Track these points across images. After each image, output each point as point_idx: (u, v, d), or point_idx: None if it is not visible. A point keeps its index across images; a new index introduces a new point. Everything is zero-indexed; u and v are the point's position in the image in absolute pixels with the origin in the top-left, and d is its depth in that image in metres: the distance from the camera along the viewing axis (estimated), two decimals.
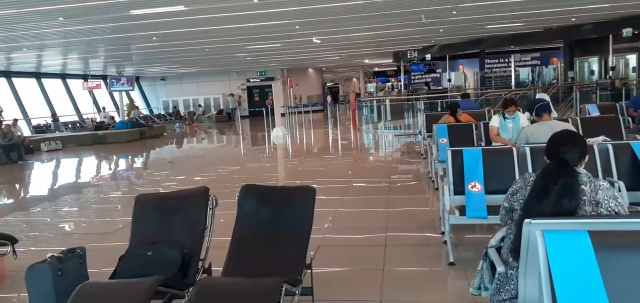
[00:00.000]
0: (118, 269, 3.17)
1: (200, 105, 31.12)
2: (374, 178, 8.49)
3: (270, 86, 26.81)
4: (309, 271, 3.23)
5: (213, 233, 3.42)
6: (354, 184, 8.26)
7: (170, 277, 2.98)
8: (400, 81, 28.90)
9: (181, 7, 10.40)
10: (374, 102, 21.48)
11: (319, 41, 17.16)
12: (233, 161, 12.91)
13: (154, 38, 14.67)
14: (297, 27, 13.90)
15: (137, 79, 30.18)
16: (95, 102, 25.50)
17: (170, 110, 30.16)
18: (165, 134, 21.97)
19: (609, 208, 2.35)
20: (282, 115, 19.67)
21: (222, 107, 30.65)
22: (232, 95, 30.70)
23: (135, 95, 30.13)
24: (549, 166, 2.48)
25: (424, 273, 4.15)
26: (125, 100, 27.11)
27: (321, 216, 5.79)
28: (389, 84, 39.91)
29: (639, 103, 9.06)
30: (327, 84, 44.90)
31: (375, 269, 4.15)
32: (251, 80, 30.84)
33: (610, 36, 17.63)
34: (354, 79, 46.13)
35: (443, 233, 4.62)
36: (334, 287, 3.85)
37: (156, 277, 2.71)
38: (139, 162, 14.47)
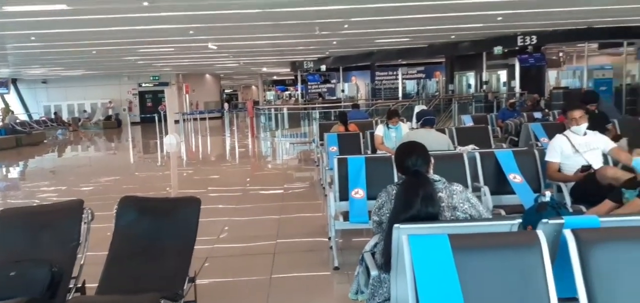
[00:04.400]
0: None
1: (85, 111, 29.07)
2: (269, 185, 8.53)
3: (163, 91, 25.79)
4: (193, 284, 3.18)
5: (88, 248, 3.23)
6: (249, 192, 8.23)
7: (37, 297, 2.77)
8: (297, 90, 29.29)
9: (63, 6, 9.63)
10: (272, 110, 21.50)
11: (215, 47, 16.84)
12: (120, 171, 12.21)
13: (33, 38, 13.45)
14: (192, 32, 13.53)
15: (14, 81, 27.44)
16: None
17: (52, 116, 27.82)
18: (46, 141, 20.25)
19: (464, 211, 2.55)
20: (176, 122, 19.01)
21: (110, 113, 28.84)
22: (110, 102, 28.89)
23: (12, 98, 27.36)
24: (405, 181, 2.59)
25: (310, 278, 4.25)
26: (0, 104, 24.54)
27: (213, 226, 5.72)
28: (288, 92, 40.23)
29: (506, 115, 10.01)
30: (226, 91, 44.20)
31: (263, 278, 4.18)
32: (143, 85, 29.43)
33: (484, 53, 19.29)
34: (253, 87, 45.93)
35: (330, 238, 4.77)
36: (219, 298, 3.82)
37: (19, 299, 2.52)
38: (13, 172, 13.16)
